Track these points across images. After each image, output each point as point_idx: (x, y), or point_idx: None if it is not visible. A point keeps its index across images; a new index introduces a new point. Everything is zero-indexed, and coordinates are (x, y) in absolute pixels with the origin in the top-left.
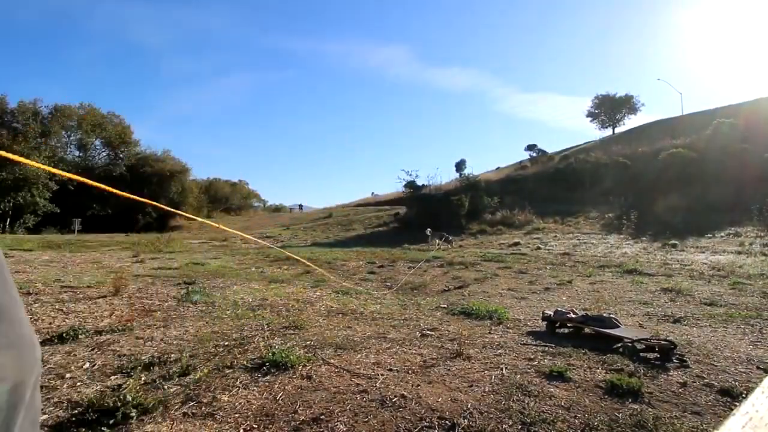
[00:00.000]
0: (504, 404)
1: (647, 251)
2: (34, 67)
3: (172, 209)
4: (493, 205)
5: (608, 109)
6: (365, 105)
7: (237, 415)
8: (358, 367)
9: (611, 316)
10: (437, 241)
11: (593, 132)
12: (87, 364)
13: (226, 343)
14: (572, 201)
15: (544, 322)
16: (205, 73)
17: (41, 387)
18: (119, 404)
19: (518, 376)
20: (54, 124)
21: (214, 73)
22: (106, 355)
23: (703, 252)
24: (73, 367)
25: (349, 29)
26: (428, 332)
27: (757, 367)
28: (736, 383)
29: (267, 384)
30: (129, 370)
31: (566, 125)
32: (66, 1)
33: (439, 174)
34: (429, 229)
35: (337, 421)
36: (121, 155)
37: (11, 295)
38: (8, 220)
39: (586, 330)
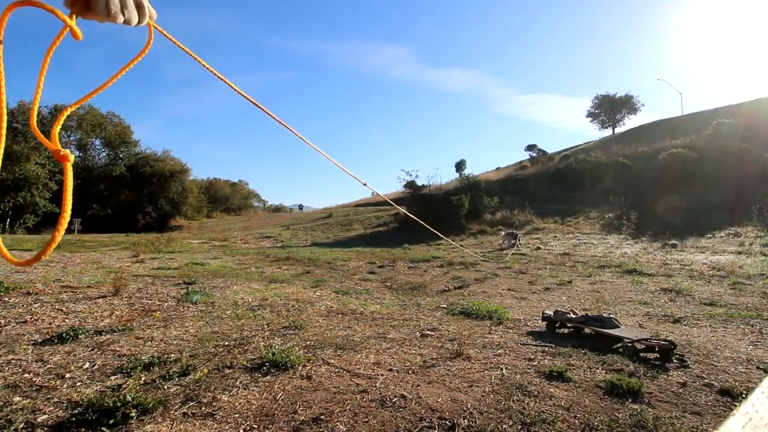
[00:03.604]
0: (504, 404)
1: (647, 251)
2: (34, 67)
3: None
4: (493, 205)
5: (608, 109)
6: (366, 105)
7: (237, 415)
8: (358, 367)
9: (611, 316)
10: (513, 241)
11: (593, 132)
12: (87, 364)
13: (226, 343)
14: (572, 201)
15: (544, 322)
16: (206, 74)
17: (41, 387)
18: (119, 404)
19: (518, 376)
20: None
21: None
22: (106, 355)
23: (703, 252)
24: (73, 367)
25: (351, 30)
26: (428, 332)
27: (757, 367)
28: (736, 383)
29: (267, 384)
30: (129, 370)
31: (566, 125)
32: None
33: (439, 174)
34: (502, 230)
35: (337, 421)
36: (121, 155)
37: None
38: (8, 220)
39: (586, 330)
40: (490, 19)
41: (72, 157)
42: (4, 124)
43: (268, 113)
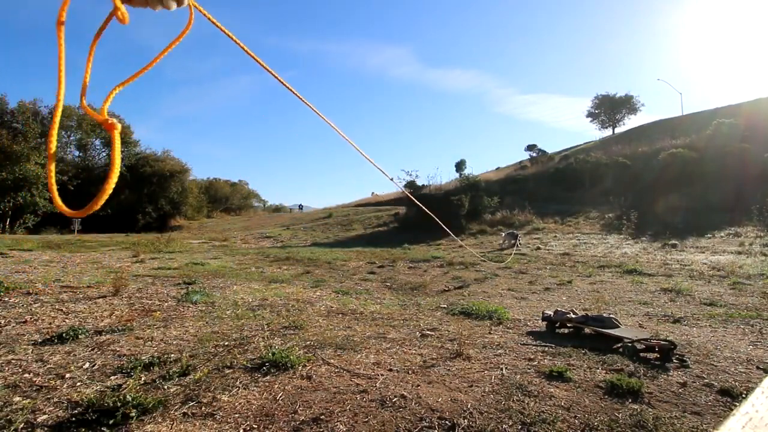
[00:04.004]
0: (504, 404)
1: (647, 251)
2: (34, 67)
3: None
4: (493, 205)
5: (608, 109)
6: (366, 105)
7: (237, 415)
8: (358, 367)
9: (611, 316)
10: (513, 241)
11: (593, 132)
12: (87, 364)
13: (226, 343)
14: (572, 201)
15: (544, 322)
16: (206, 74)
17: (41, 387)
18: (119, 404)
19: (518, 376)
20: None
21: (215, 75)
22: (106, 355)
23: (703, 252)
24: (73, 367)
25: (351, 30)
26: (428, 332)
27: (757, 367)
28: (736, 383)
29: (267, 384)
30: (129, 370)
31: (566, 125)
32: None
33: (439, 174)
34: (502, 230)
35: (337, 421)
36: (121, 155)
37: None
38: (8, 220)
39: (586, 330)
40: (490, 19)
41: (119, 126)
42: (62, 98)
43: (303, 99)
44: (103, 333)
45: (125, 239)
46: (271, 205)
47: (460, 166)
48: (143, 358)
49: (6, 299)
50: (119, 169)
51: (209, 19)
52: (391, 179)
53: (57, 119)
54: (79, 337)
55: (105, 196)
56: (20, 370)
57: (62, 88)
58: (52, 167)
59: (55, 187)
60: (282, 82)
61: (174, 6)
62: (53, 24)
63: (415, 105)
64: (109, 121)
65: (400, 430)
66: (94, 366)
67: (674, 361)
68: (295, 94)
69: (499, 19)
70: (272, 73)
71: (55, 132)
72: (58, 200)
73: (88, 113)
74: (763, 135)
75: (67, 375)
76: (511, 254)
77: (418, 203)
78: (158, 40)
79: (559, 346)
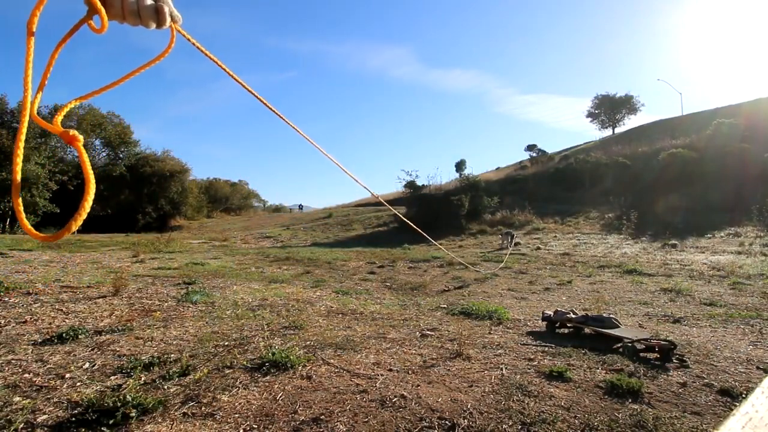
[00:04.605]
0: (504, 404)
1: (647, 251)
2: (34, 67)
3: None
4: (493, 205)
5: (608, 109)
6: (366, 106)
7: (237, 415)
8: (358, 367)
9: (611, 316)
10: (511, 240)
11: (593, 132)
12: (87, 364)
13: (226, 343)
14: (572, 201)
15: (544, 322)
16: (206, 75)
17: (41, 387)
18: (119, 404)
19: (518, 376)
20: None
21: (215, 75)
22: (106, 355)
23: (703, 252)
24: (73, 367)
25: (351, 31)
26: (428, 332)
27: (757, 367)
28: (736, 383)
29: (267, 384)
30: (129, 370)
31: (566, 126)
32: (67, 1)
33: (439, 174)
34: (502, 229)
35: (337, 421)
36: (120, 155)
37: None
38: (8, 220)
39: (586, 330)
40: (490, 19)
41: (81, 138)
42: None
43: (287, 122)
44: (103, 333)
45: (125, 239)
46: (271, 205)
47: (460, 166)
48: (143, 358)
49: (6, 299)
50: (94, 185)
51: (190, 41)
52: (377, 197)
53: (23, 132)
54: (79, 337)
55: (81, 219)
56: (20, 370)
57: (28, 102)
58: (19, 200)
59: (23, 215)
60: (261, 100)
61: (153, 26)
62: (52, 24)
63: (416, 105)
64: (70, 133)
65: (400, 430)
66: (94, 366)
67: (674, 361)
68: (272, 110)
69: (499, 19)
70: (253, 93)
71: (20, 152)
72: (28, 227)
73: (42, 125)
74: (763, 135)
75: (67, 375)
76: (507, 254)
77: (401, 217)
78: (157, 41)
79: (559, 346)
